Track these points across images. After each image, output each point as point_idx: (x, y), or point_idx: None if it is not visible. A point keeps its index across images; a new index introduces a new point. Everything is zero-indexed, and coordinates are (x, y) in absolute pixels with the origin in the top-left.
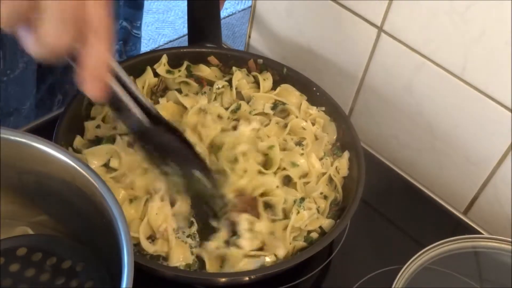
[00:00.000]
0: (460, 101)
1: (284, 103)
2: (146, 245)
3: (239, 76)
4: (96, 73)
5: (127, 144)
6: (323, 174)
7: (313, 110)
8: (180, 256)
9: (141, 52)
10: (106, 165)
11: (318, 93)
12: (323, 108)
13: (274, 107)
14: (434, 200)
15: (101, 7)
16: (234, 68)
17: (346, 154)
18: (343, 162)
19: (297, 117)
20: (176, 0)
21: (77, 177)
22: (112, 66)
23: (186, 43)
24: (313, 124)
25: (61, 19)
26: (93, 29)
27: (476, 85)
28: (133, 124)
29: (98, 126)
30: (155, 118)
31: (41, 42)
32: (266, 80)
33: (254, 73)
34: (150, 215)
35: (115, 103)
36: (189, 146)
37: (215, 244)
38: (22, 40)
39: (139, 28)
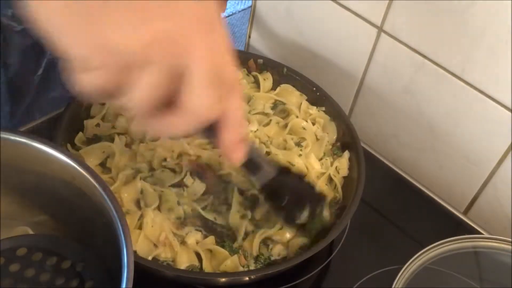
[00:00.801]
0: (460, 101)
1: (284, 103)
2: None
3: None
4: (239, 137)
5: (125, 143)
6: (323, 174)
7: (313, 110)
8: (185, 260)
9: None
10: (103, 165)
11: (318, 93)
12: (323, 108)
13: (274, 107)
14: (434, 200)
15: (233, 63)
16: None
17: (346, 154)
18: (343, 162)
19: (297, 117)
20: None
21: (77, 177)
22: None
23: None
24: (313, 124)
25: (208, 84)
26: (230, 85)
27: (476, 85)
28: (264, 179)
29: (97, 125)
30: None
31: (189, 117)
32: (266, 80)
33: (254, 73)
34: (146, 230)
35: (250, 164)
36: (307, 185)
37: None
38: (161, 124)
39: None
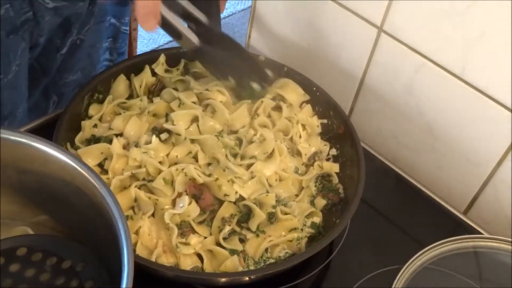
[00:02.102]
0: (460, 101)
1: (279, 100)
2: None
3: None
4: (150, 9)
5: (122, 146)
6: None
7: (313, 119)
8: (189, 263)
9: (140, 52)
10: (101, 166)
11: (318, 93)
12: (325, 121)
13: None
14: (434, 200)
15: None
16: None
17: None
18: (325, 165)
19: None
20: None
21: (77, 177)
22: None
23: None
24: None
25: None
26: None
27: (476, 85)
28: (189, 46)
29: (95, 126)
30: (207, 32)
31: None
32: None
33: None
34: (143, 239)
35: (169, 30)
36: (246, 57)
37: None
38: None
39: (127, 24)
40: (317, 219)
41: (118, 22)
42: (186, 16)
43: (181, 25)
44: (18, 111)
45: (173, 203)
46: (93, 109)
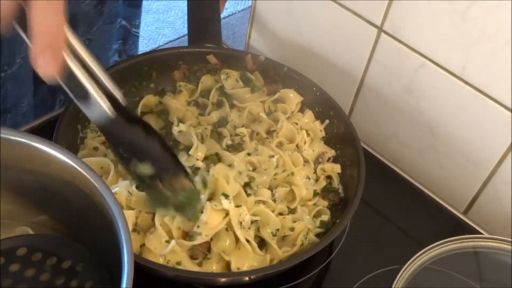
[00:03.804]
0: (460, 101)
1: (277, 109)
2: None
3: (230, 85)
4: (45, 42)
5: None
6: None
7: (316, 123)
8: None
9: (140, 52)
10: None
11: (318, 93)
12: (327, 121)
13: (268, 113)
14: (434, 200)
15: None
16: (223, 74)
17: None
18: (327, 166)
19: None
20: (176, 0)
21: (77, 177)
22: (71, 43)
23: (186, 43)
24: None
25: None
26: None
27: (476, 85)
28: (96, 115)
29: (95, 148)
30: (124, 112)
31: None
32: (258, 79)
33: (248, 73)
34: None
35: (74, 87)
36: (165, 147)
37: None
38: None
39: (138, 26)
40: (325, 217)
41: (129, 24)
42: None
43: (92, 85)
44: (22, 104)
45: None
46: (90, 136)
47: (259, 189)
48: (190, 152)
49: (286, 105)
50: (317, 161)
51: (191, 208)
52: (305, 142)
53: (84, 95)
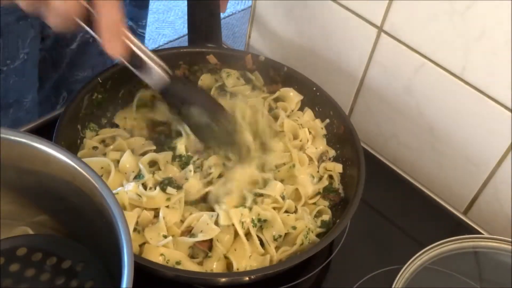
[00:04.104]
0: (460, 101)
1: (277, 107)
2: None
3: (231, 83)
4: (113, 31)
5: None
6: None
7: (317, 121)
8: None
9: None
10: None
11: (318, 93)
12: (328, 120)
13: (269, 110)
14: (434, 200)
15: None
16: (224, 73)
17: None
18: (330, 165)
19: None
20: (176, 0)
21: (77, 177)
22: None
23: (186, 43)
24: (309, 132)
25: None
26: None
27: (476, 85)
28: (156, 81)
29: (95, 147)
30: (174, 76)
31: (55, 14)
32: (257, 79)
33: (248, 73)
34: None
35: (135, 61)
36: (208, 96)
37: None
38: (44, 19)
39: (144, 27)
40: (326, 217)
41: (135, 24)
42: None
43: (149, 59)
44: (25, 100)
45: None
46: (89, 135)
47: (271, 182)
48: (177, 144)
49: (286, 104)
50: (320, 159)
51: (235, 137)
52: (307, 140)
53: (144, 67)
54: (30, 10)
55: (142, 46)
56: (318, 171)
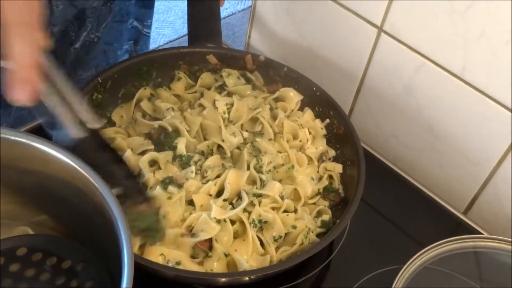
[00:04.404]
0: (460, 101)
1: (277, 107)
2: None
3: (231, 83)
4: (23, 76)
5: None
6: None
7: (316, 122)
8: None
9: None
10: None
11: (318, 93)
12: (328, 121)
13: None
14: (434, 200)
15: (15, 3)
16: (225, 73)
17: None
18: (330, 165)
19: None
20: (176, 0)
21: (77, 177)
22: (45, 68)
23: (186, 43)
24: (309, 133)
25: None
26: (12, 26)
27: (476, 85)
28: (62, 135)
29: None
30: (96, 136)
31: None
32: (257, 79)
33: (248, 73)
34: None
35: (42, 113)
36: (131, 175)
37: None
38: None
39: (149, 27)
40: (326, 217)
41: (141, 25)
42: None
43: (62, 111)
44: None
45: None
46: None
47: (269, 182)
48: (178, 144)
49: (286, 104)
50: (320, 159)
51: (154, 232)
52: (307, 140)
53: (51, 121)
54: None
55: (65, 89)
56: (318, 171)
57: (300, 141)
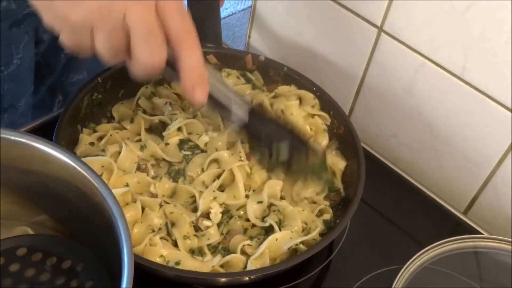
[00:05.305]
0: (460, 101)
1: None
2: None
3: (231, 83)
4: (195, 78)
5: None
6: None
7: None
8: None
9: None
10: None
11: (318, 93)
12: (325, 115)
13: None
14: (434, 200)
15: (177, 12)
16: (225, 73)
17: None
18: (334, 159)
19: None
20: None
21: (77, 177)
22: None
23: None
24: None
25: (145, 38)
26: (178, 35)
27: (476, 85)
28: (237, 121)
29: (91, 143)
30: (255, 111)
31: (139, 64)
32: (257, 79)
33: (248, 73)
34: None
35: (213, 102)
36: (285, 127)
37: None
38: (128, 69)
39: None
40: (328, 216)
41: None
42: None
43: (230, 100)
44: (19, 104)
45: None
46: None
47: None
48: (164, 133)
49: (285, 100)
50: (326, 151)
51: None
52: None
53: (222, 106)
54: (113, 61)
55: (220, 85)
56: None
57: None
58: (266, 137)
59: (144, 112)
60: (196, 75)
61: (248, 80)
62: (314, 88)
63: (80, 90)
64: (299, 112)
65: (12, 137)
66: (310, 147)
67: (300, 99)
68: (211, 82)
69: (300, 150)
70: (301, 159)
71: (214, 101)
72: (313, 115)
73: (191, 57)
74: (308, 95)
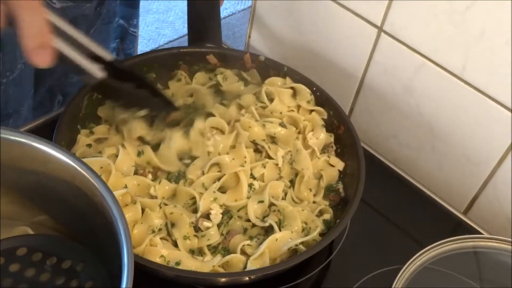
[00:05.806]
0: (460, 101)
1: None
2: None
3: (228, 84)
4: (36, 40)
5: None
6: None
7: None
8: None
9: (140, 52)
10: None
11: (318, 93)
12: (322, 110)
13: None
14: (434, 200)
15: None
16: (219, 75)
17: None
18: (333, 160)
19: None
20: (176, 0)
21: (77, 177)
22: (53, 24)
23: (186, 43)
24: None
25: None
26: (17, 5)
27: (476, 85)
28: (91, 80)
29: (89, 145)
30: (114, 66)
31: None
32: (253, 77)
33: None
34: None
35: (64, 62)
36: (151, 89)
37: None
38: None
39: (135, 26)
40: (328, 216)
41: (127, 23)
42: (89, 55)
43: (81, 60)
44: (23, 108)
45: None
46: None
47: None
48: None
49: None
50: (326, 150)
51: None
52: (308, 132)
53: (73, 65)
54: None
55: (75, 36)
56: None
57: (299, 132)
58: (126, 94)
59: None
60: (37, 38)
61: (244, 79)
62: (314, 88)
63: (80, 90)
64: (290, 101)
65: (12, 137)
66: (175, 107)
67: (295, 92)
68: (60, 45)
69: (160, 108)
70: (161, 116)
71: (64, 62)
72: (310, 111)
73: (30, 17)
74: (304, 90)
